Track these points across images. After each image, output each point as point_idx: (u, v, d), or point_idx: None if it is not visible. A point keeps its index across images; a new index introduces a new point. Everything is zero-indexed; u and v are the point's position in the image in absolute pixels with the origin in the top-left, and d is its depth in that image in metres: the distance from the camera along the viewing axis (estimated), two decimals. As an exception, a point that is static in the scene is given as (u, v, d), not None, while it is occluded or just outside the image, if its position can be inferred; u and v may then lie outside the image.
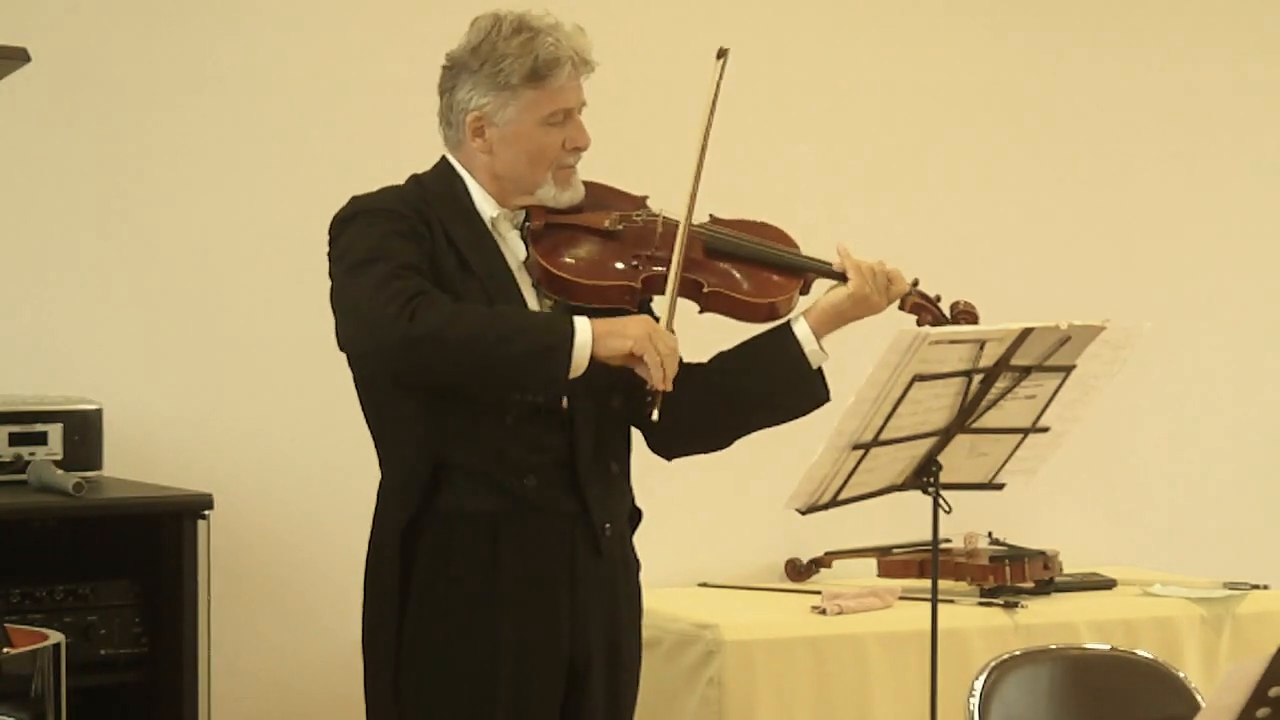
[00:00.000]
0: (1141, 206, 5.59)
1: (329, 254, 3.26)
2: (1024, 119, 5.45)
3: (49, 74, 4.20)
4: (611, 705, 3.37)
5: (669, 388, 3.15)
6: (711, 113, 3.34)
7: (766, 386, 3.38)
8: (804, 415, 3.41)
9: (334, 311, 3.22)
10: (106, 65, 4.52)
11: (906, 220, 5.28)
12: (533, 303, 3.30)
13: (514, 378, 3.15)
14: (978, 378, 3.56)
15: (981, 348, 3.50)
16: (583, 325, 3.12)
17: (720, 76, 3.34)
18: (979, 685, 3.40)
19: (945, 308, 3.48)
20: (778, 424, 3.45)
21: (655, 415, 3.17)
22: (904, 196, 5.31)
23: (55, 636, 3.21)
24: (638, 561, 3.46)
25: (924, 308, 3.45)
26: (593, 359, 3.12)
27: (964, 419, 3.62)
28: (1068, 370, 3.63)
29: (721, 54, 3.35)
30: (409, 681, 3.26)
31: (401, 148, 4.61)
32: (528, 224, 3.32)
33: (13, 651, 3.11)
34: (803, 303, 3.41)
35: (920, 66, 5.33)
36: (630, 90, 4.85)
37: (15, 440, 4.08)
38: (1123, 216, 5.56)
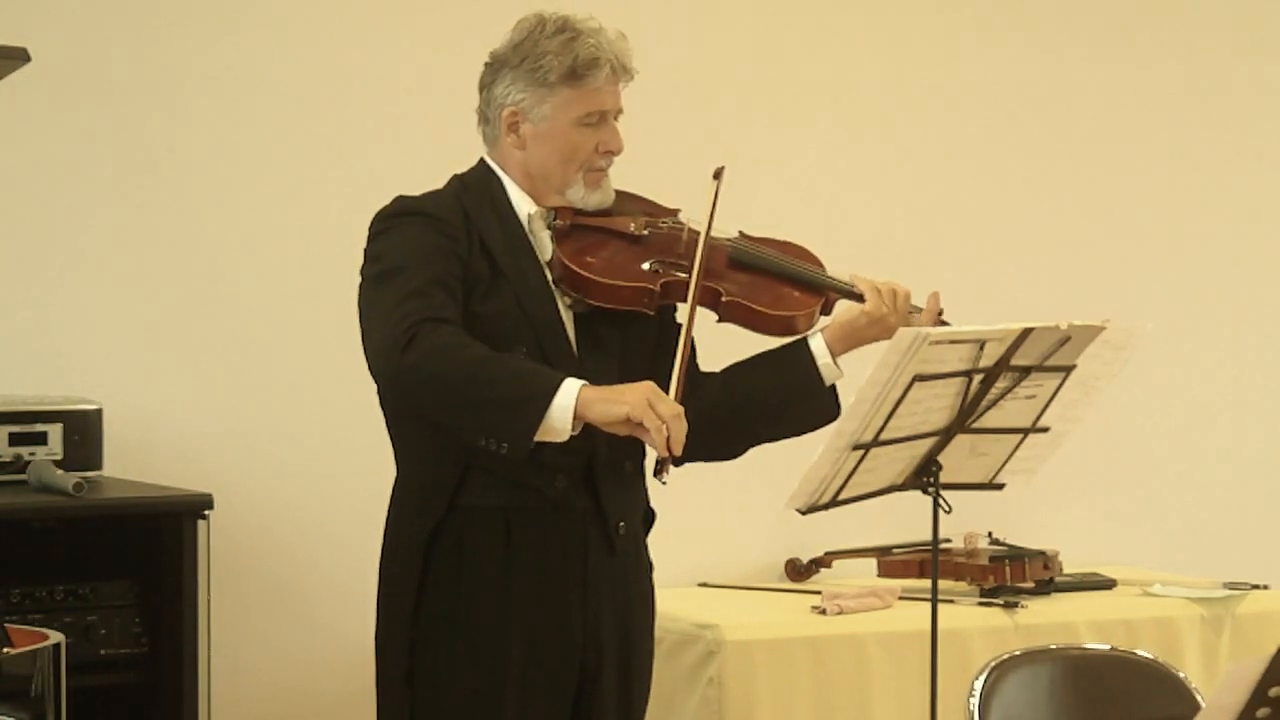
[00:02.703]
0: (1142, 206, 5.59)
1: (366, 250, 3.28)
2: (1024, 119, 5.45)
3: (49, 74, 4.20)
4: (623, 707, 3.37)
5: (677, 452, 3.08)
6: (709, 228, 3.31)
7: (778, 398, 3.41)
8: (812, 430, 3.45)
9: (359, 307, 3.24)
10: (106, 65, 4.52)
11: (907, 221, 5.28)
12: (558, 301, 3.31)
13: (485, 422, 3.09)
14: (978, 378, 3.55)
15: (981, 348, 3.50)
16: (570, 387, 3.06)
17: (716, 194, 3.33)
18: (979, 685, 3.40)
19: None
20: (786, 437, 3.49)
21: (665, 480, 3.14)
22: (904, 197, 5.31)
23: (55, 636, 3.21)
24: (650, 563, 3.46)
25: None
26: (589, 423, 3.07)
27: (964, 419, 3.62)
28: (1068, 370, 3.63)
29: (718, 174, 3.34)
30: (421, 676, 3.27)
31: (403, 148, 4.63)
32: (555, 222, 3.33)
33: (13, 651, 3.11)
34: (823, 323, 3.42)
35: (919, 67, 5.33)
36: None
37: (15, 440, 4.07)
38: (1123, 216, 5.56)
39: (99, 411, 4.17)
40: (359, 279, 3.28)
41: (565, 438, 3.07)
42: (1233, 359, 5.69)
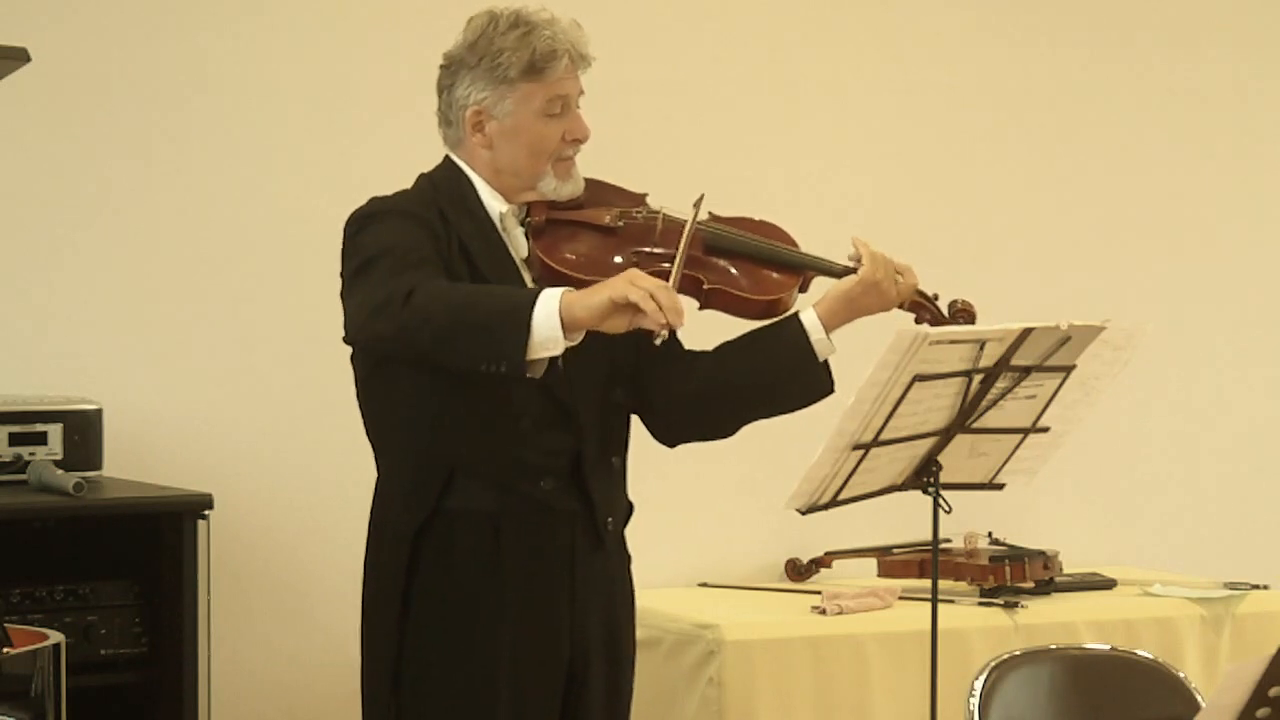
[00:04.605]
0: (1142, 206, 5.59)
1: (343, 249, 3.26)
2: (1025, 118, 5.45)
3: (49, 74, 4.20)
4: (611, 701, 3.37)
5: (677, 323, 3.02)
6: (683, 251, 3.27)
7: (771, 375, 3.39)
8: (807, 406, 3.42)
9: (343, 304, 3.23)
10: (106, 65, 4.52)
11: (907, 220, 5.27)
12: None
13: (477, 345, 3.03)
14: (978, 378, 3.56)
15: (981, 348, 3.50)
16: (550, 293, 3.02)
17: (694, 219, 3.30)
18: (979, 685, 3.40)
19: (943, 306, 3.49)
20: (781, 414, 3.46)
21: (659, 339, 3.04)
22: (904, 196, 5.31)
23: (55, 636, 3.21)
24: (629, 555, 3.46)
25: (923, 306, 3.46)
26: (584, 329, 3.03)
27: (964, 419, 3.62)
28: (1068, 370, 3.63)
29: (697, 204, 3.31)
30: (409, 682, 3.26)
31: (402, 148, 4.63)
32: (529, 219, 3.32)
33: (13, 651, 3.11)
34: (801, 301, 3.41)
35: (920, 66, 5.33)
36: (629, 88, 4.86)
37: (15, 440, 4.08)
38: (1123, 216, 5.56)
39: (99, 411, 4.17)
40: (342, 271, 3.25)
41: (562, 347, 3.02)
42: (1233, 359, 5.69)
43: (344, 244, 3.27)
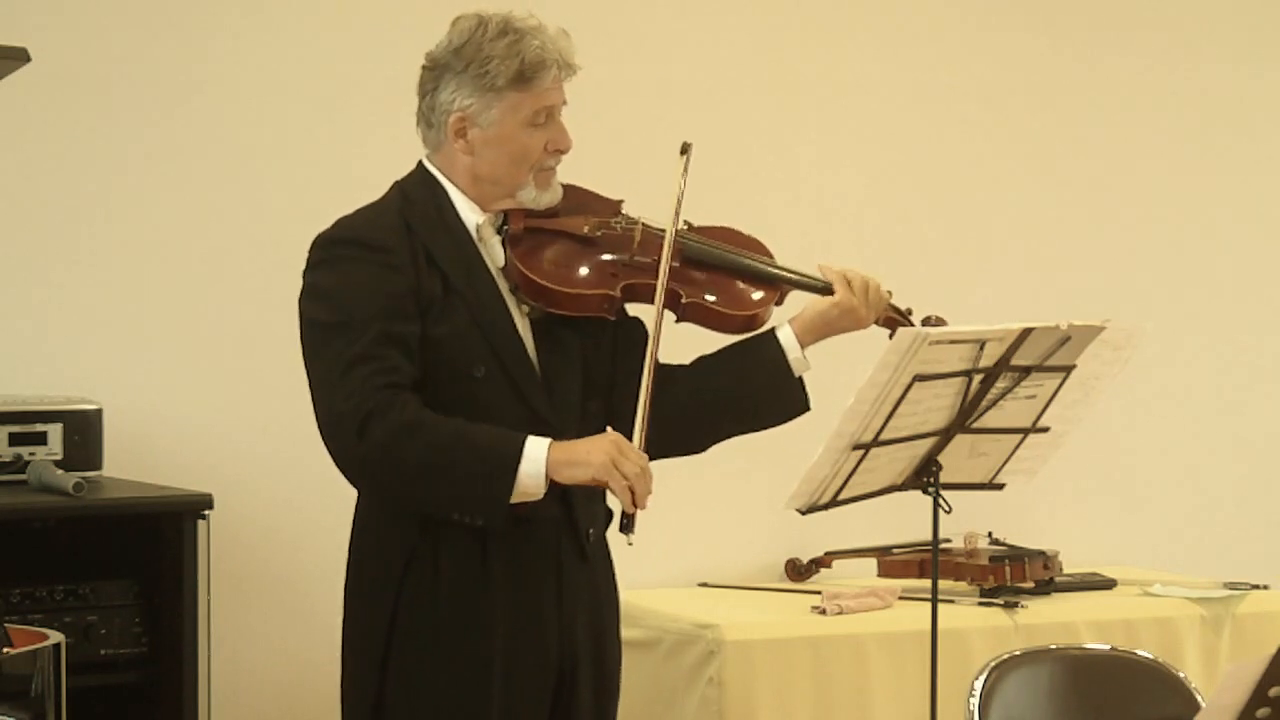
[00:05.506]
0: (1142, 206, 5.59)
1: (305, 274, 3.26)
2: (1024, 119, 5.45)
3: (49, 74, 4.20)
4: (599, 706, 3.36)
5: (643, 508, 3.09)
6: (678, 207, 3.29)
7: (747, 392, 3.38)
8: (783, 423, 3.42)
9: (301, 344, 3.25)
10: (106, 65, 4.52)
11: (906, 221, 5.28)
12: (514, 310, 3.28)
13: (454, 502, 3.12)
14: (978, 378, 3.56)
15: (981, 348, 3.51)
16: (536, 451, 3.09)
17: (685, 170, 3.30)
18: (979, 685, 3.40)
19: (917, 321, 3.48)
20: (755, 430, 3.45)
21: (631, 539, 3.12)
22: (903, 197, 5.31)
23: (55, 636, 3.21)
24: (611, 561, 3.45)
25: (896, 322, 3.45)
26: (555, 483, 3.11)
27: (964, 419, 3.62)
28: (1068, 370, 3.63)
29: (685, 149, 3.32)
30: (397, 694, 3.24)
31: (402, 148, 4.62)
32: (506, 228, 3.30)
33: (13, 651, 3.11)
34: (777, 314, 3.40)
35: (919, 66, 5.33)
36: (624, 87, 4.86)
37: (15, 440, 4.08)
38: (1123, 216, 5.56)
39: (99, 411, 4.17)
40: (299, 305, 3.28)
41: (541, 495, 3.11)
42: (1233, 359, 5.69)
43: (305, 271, 3.26)
